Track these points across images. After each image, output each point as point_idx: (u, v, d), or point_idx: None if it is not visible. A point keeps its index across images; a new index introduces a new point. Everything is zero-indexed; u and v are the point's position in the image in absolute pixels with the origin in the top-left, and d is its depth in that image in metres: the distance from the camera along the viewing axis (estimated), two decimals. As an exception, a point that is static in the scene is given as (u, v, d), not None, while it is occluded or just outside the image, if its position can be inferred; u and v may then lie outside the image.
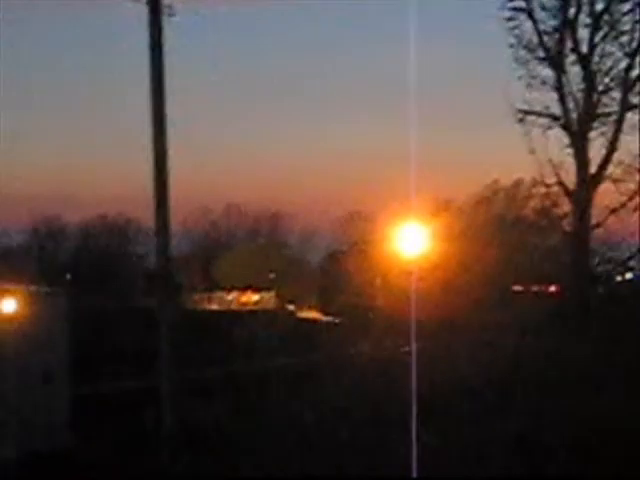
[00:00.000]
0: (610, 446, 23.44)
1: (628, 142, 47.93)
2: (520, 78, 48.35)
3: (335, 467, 22.42)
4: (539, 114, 48.23)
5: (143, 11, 24.46)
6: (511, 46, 48.46)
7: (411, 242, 38.69)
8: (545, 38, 48.23)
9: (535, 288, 66.89)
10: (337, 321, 61.44)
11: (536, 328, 44.29)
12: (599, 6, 47.77)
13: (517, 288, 66.95)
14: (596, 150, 48.43)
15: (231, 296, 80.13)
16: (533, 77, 48.29)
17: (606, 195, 48.65)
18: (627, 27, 47.47)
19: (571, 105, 48.35)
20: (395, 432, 22.93)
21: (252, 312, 72.46)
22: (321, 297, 77.05)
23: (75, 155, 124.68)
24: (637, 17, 47.31)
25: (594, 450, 23.40)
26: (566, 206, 50.46)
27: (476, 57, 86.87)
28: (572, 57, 48.41)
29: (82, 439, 22.95)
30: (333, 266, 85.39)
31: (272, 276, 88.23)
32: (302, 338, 49.88)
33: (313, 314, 71.81)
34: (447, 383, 31.62)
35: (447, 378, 32.48)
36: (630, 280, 57.96)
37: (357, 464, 22.80)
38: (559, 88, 48.16)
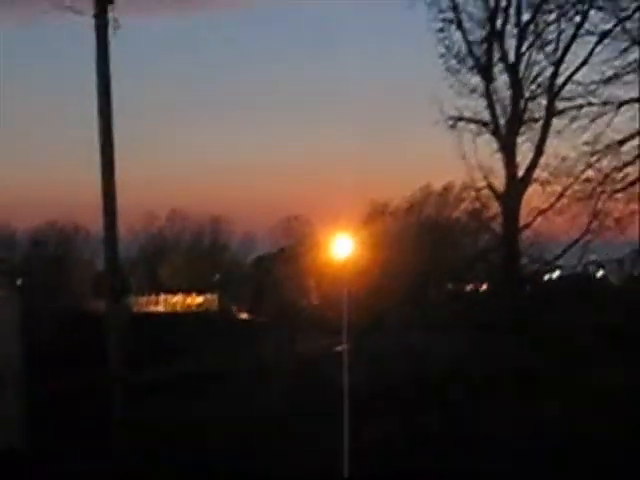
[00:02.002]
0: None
1: (554, 146, 48.39)
2: (451, 86, 48.63)
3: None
4: (469, 120, 48.63)
5: (90, 23, 23.80)
6: (442, 56, 48.67)
7: (343, 247, 38.86)
8: (474, 48, 48.81)
9: (468, 287, 67.38)
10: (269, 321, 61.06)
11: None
12: (525, 17, 48.39)
13: (449, 287, 67.47)
14: (524, 154, 48.84)
15: (176, 298, 80.00)
16: (463, 85, 48.76)
17: (534, 197, 48.79)
18: (552, 37, 47.83)
19: (499, 111, 48.80)
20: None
21: (195, 314, 72.82)
22: (252, 299, 77.33)
23: (23, 164, 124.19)
24: (561, 27, 47.34)
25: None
26: (496, 208, 50.91)
27: (410, 66, 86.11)
28: (500, 66, 48.95)
29: (34, 436, 22.37)
30: (260, 269, 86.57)
31: (216, 278, 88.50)
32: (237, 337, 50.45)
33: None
34: (372, 382, 32.13)
35: (372, 377, 33.02)
36: (558, 278, 58.05)
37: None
38: (488, 95, 48.57)
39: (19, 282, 38.00)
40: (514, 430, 25.43)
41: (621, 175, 46.14)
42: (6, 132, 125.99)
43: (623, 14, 46.18)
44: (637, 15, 46.26)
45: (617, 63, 46.09)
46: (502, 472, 21.30)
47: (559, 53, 47.76)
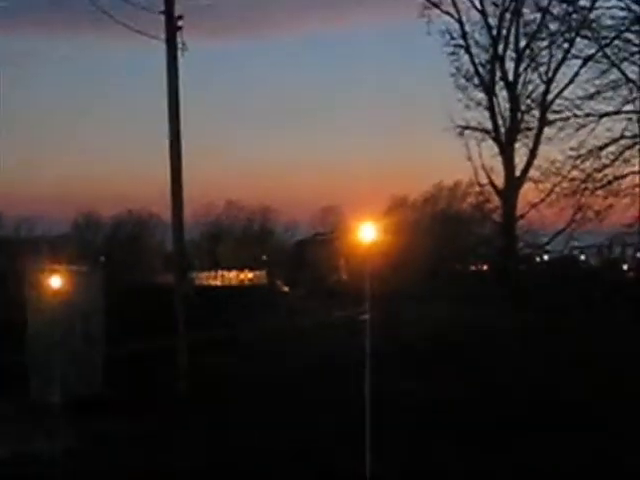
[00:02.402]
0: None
1: (545, 151, 48.91)
2: (460, 100, 49.20)
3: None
4: (475, 129, 49.15)
5: (162, 47, 24.70)
6: (452, 75, 49.24)
7: (368, 233, 39.37)
8: (479, 69, 49.16)
9: (472, 267, 67.63)
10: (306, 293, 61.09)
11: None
12: (522, 44, 48.38)
13: (457, 267, 67.53)
14: (520, 157, 49.64)
15: (231, 274, 79.99)
16: (470, 99, 49.29)
17: (528, 193, 49.46)
18: (544, 60, 48.09)
19: (500, 122, 49.33)
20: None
21: (247, 287, 72.80)
22: (292, 275, 77.13)
23: (107, 162, 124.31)
24: (552, 52, 47.83)
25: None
26: (496, 202, 51.32)
27: (426, 83, 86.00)
28: (501, 84, 49.82)
29: (112, 387, 22.95)
30: (299, 251, 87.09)
31: (264, 258, 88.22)
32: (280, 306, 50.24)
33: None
34: (394, 341, 31.91)
35: (394, 338, 32.83)
36: (547, 261, 58.37)
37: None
38: (490, 108, 48.99)
39: (102, 260, 38.38)
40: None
41: (601, 175, 46.33)
42: (97, 135, 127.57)
43: (603, 42, 46.65)
44: (615, 42, 46.85)
45: (598, 82, 46.02)
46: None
47: (550, 74, 48.44)
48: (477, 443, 17.43)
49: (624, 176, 46.80)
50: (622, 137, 46.49)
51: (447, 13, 49.11)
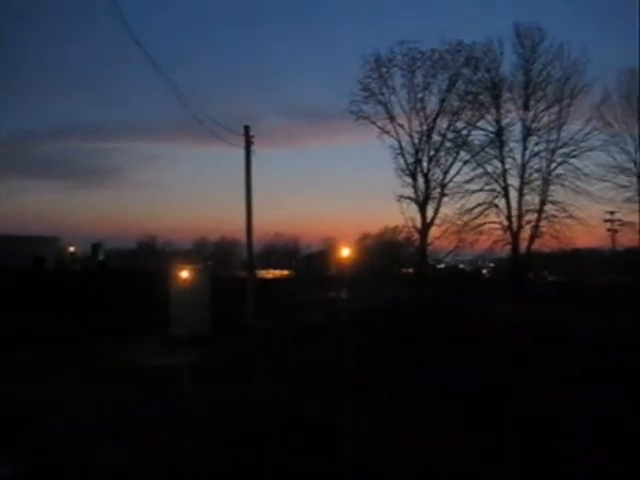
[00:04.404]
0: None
1: (443, 210, 48.40)
2: (398, 182, 48.55)
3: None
4: (406, 197, 48.19)
5: (240, 152, 24.44)
6: (395, 169, 48.64)
7: (346, 251, 39.05)
8: (409, 166, 48.54)
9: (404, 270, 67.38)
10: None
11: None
12: (431, 152, 48.50)
13: (395, 270, 67.31)
14: (429, 213, 48.64)
15: (276, 271, 79.32)
16: (404, 182, 48.42)
17: (434, 231, 48.82)
18: (443, 162, 48.38)
19: (419, 194, 48.54)
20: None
21: (284, 279, 72.54)
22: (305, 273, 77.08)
23: (213, 216, 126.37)
24: (446, 158, 48.01)
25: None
26: (416, 236, 50.14)
27: (381, 173, 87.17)
28: (420, 174, 48.57)
29: (214, 330, 22.77)
30: (308, 260, 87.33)
31: (293, 263, 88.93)
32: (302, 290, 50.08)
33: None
34: (361, 306, 31.66)
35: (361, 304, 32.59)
36: (442, 268, 58.31)
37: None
38: (414, 187, 48.50)
39: (209, 262, 38.52)
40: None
41: (472, 223, 46.44)
42: (208, 202, 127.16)
43: (474, 153, 47.49)
44: (480, 153, 47.23)
45: (472, 173, 47.03)
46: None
47: (446, 169, 48.31)
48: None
49: (483, 224, 47.00)
50: (483, 203, 46.95)
51: (391, 136, 48.33)
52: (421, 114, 47.63)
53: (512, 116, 46.59)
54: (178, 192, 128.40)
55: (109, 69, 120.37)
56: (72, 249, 76.02)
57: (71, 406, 11.22)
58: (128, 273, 49.18)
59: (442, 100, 47.18)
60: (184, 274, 22.46)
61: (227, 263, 79.22)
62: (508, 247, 47.28)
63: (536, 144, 46.34)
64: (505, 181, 46.81)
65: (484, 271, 65.53)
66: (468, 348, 17.65)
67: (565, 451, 8.39)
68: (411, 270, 61.21)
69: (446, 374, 13.75)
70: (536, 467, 7.82)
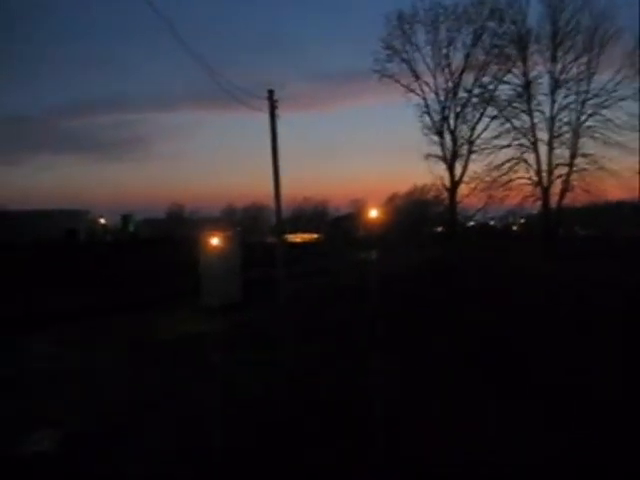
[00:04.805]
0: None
1: (472, 167, 47.86)
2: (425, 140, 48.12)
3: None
4: (433, 156, 47.64)
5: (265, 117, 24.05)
6: (422, 128, 48.22)
7: (376, 213, 39.01)
8: (435, 123, 47.92)
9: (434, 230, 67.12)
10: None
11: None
12: (458, 109, 47.72)
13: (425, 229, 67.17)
14: (457, 170, 48.10)
15: (304, 235, 79.59)
16: (431, 140, 47.87)
17: (462, 189, 48.34)
18: (469, 118, 47.61)
19: (447, 151, 48.01)
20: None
21: (313, 242, 72.58)
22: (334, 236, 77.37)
23: (243, 181, 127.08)
24: (474, 114, 47.18)
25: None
26: (445, 194, 50.06)
27: (409, 131, 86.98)
28: (447, 131, 47.90)
29: (244, 296, 23.01)
30: (336, 222, 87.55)
31: (322, 226, 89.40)
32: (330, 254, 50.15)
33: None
34: (391, 267, 31.66)
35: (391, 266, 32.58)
36: (473, 225, 58.36)
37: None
38: (441, 144, 47.89)
39: (238, 229, 38.66)
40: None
41: (500, 179, 46.07)
42: (238, 167, 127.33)
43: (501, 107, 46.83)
44: (507, 108, 46.55)
45: (499, 129, 46.21)
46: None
47: (473, 125, 47.43)
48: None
49: (512, 180, 46.45)
50: (512, 159, 46.36)
51: (417, 94, 47.68)
52: (446, 70, 46.92)
53: (540, 69, 45.61)
54: (204, 160, 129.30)
55: (130, 41, 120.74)
56: (103, 221, 77.09)
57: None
58: (158, 243, 49.70)
59: (467, 55, 46.34)
60: (214, 242, 22.59)
61: (256, 229, 79.34)
62: (538, 203, 46.87)
63: (565, 96, 45.47)
64: (534, 135, 45.99)
65: (514, 227, 65.08)
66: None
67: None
68: (440, 229, 61.15)
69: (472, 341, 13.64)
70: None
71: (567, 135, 45.63)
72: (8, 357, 14.75)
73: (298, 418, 8.64)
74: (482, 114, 47.14)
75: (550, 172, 45.74)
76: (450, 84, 47.01)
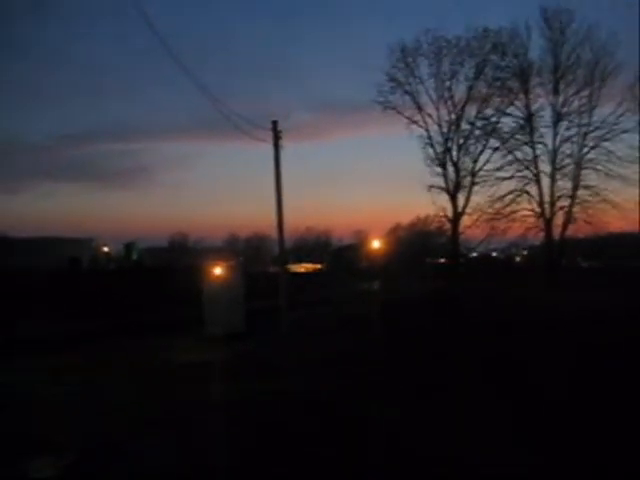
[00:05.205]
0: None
1: (474, 199, 47.91)
2: (428, 172, 47.95)
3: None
4: (436, 187, 47.45)
5: (269, 147, 24.30)
6: (425, 159, 48.30)
7: (377, 243, 38.94)
8: (438, 155, 47.84)
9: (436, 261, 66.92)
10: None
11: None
12: (460, 141, 48.00)
13: (427, 260, 66.91)
14: (460, 201, 48.13)
15: (307, 265, 79.37)
16: (434, 172, 47.83)
17: (465, 220, 48.15)
18: (472, 150, 47.78)
19: (450, 182, 47.99)
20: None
21: (316, 273, 72.55)
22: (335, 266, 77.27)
23: (245, 211, 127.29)
24: (476, 146, 47.58)
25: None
26: (447, 226, 49.76)
27: (411, 163, 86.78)
28: (449, 163, 47.81)
29: (247, 326, 22.94)
30: (338, 253, 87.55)
31: (325, 256, 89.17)
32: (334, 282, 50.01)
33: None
34: (394, 298, 31.59)
35: (394, 296, 32.47)
36: (475, 256, 58.47)
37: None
38: (444, 176, 47.79)
39: (241, 259, 38.38)
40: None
41: (503, 211, 46.16)
42: (242, 198, 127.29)
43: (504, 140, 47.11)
44: (510, 141, 46.87)
45: (501, 161, 46.33)
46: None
47: (475, 157, 47.51)
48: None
49: (515, 211, 46.59)
50: (514, 191, 46.51)
51: (420, 126, 47.76)
52: (449, 103, 47.19)
53: (542, 101, 45.97)
54: (207, 189, 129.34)
55: (135, 70, 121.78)
56: (106, 249, 77.13)
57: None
58: (161, 271, 49.72)
59: (470, 88, 46.62)
60: (217, 271, 22.66)
61: (258, 258, 79.21)
62: (541, 234, 46.87)
63: (567, 129, 45.71)
64: (536, 167, 46.21)
65: (517, 259, 65.08)
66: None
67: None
68: (443, 260, 61.15)
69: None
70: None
71: (569, 167, 45.89)
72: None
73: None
74: (485, 146, 47.40)
75: (552, 204, 45.90)
76: (453, 116, 47.35)
